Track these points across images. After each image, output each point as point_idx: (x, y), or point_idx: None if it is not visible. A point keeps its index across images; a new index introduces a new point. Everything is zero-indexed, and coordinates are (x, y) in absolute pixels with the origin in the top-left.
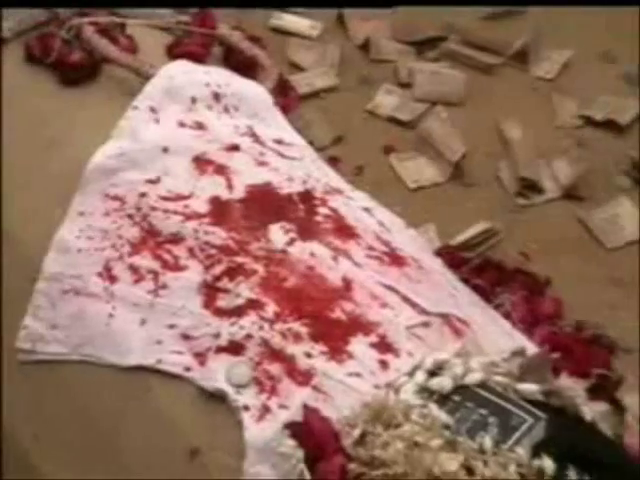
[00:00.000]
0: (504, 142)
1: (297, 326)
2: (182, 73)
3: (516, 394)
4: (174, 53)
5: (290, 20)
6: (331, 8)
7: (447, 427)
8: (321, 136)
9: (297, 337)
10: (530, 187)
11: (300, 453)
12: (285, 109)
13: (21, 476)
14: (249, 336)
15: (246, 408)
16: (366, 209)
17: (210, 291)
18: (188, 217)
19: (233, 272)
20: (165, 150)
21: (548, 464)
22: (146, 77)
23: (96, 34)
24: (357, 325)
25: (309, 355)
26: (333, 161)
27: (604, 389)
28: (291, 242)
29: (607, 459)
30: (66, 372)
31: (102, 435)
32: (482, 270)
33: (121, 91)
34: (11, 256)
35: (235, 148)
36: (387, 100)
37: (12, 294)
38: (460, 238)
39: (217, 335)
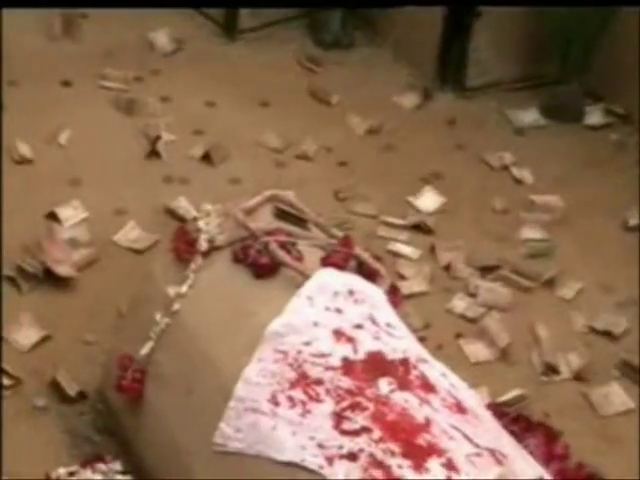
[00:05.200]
0: (535, 337)
1: (393, 446)
2: (329, 276)
3: None
4: (325, 263)
5: (400, 246)
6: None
7: None
8: (415, 323)
9: (393, 453)
10: (551, 369)
11: None
12: (393, 304)
13: None
14: (361, 450)
15: None
16: (443, 374)
17: (338, 418)
18: (327, 368)
19: (354, 407)
20: (315, 324)
21: None
22: (307, 277)
23: (278, 248)
24: (433, 450)
25: (400, 466)
26: (422, 340)
27: None
28: (392, 391)
29: None
30: (242, 459)
31: None
32: (516, 421)
33: (291, 284)
34: (215, 384)
35: (360, 327)
36: (460, 304)
37: (212, 406)
38: (503, 398)
39: (341, 447)
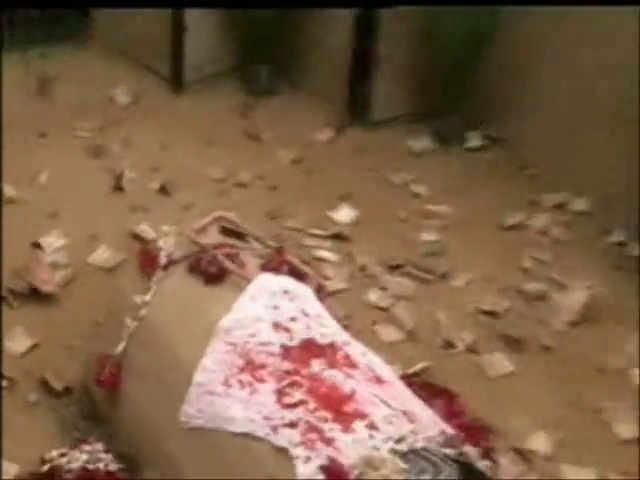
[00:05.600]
0: (435, 319)
1: (325, 414)
2: (267, 279)
3: (442, 454)
4: (263, 269)
5: (323, 253)
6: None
7: (406, 471)
8: (338, 314)
9: (325, 420)
10: (449, 344)
11: None
12: (320, 299)
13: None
14: (299, 419)
15: (297, 457)
16: (363, 353)
17: (280, 394)
18: (269, 355)
19: (292, 385)
20: (258, 319)
21: None
22: (249, 281)
23: (224, 258)
24: (357, 414)
25: (331, 430)
26: (345, 327)
27: (488, 454)
28: (323, 370)
29: None
30: (204, 433)
31: (225, 460)
32: (423, 387)
33: (237, 288)
34: (179, 373)
35: (294, 319)
36: (374, 296)
37: (177, 391)
38: (412, 370)
39: (283, 418)
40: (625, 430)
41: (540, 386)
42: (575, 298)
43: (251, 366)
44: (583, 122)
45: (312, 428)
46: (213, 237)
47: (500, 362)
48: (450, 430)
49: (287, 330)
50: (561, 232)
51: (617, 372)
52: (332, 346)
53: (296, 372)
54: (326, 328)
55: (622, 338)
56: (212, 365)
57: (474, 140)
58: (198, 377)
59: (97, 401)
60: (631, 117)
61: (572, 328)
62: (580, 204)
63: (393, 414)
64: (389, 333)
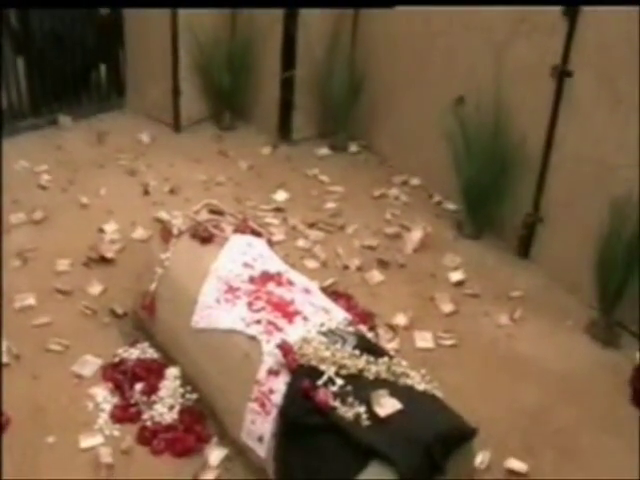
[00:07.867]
0: (336, 253)
1: (277, 314)
2: (238, 238)
3: (347, 331)
4: (235, 231)
5: (269, 219)
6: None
7: (326, 343)
8: (280, 254)
9: (277, 317)
10: (346, 267)
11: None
12: (270, 246)
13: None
14: (262, 318)
15: (262, 340)
16: (296, 276)
17: (249, 304)
18: (242, 281)
19: (257, 298)
20: (233, 261)
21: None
22: (227, 239)
23: (212, 227)
24: (297, 312)
25: (281, 323)
26: (285, 262)
27: (372, 328)
28: (274, 288)
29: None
30: (205, 331)
31: (218, 346)
32: (332, 293)
33: (220, 244)
34: (188, 297)
35: (255, 259)
36: (301, 242)
37: (188, 308)
38: (325, 284)
39: (252, 318)
40: (447, 308)
41: (398, 287)
42: (415, 235)
43: (231, 289)
44: (419, 136)
45: (270, 323)
46: (204, 215)
47: (376, 276)
48: (350, 317)
49: (251, 266)
50: (406, 198)
51: (441, 276)
52: (279, 274)
53: (258, 290)
54: (275, 262)
55: (442, 256)
56: (208, 290)
57: (353, 148)
58: (200, 298)
59: (143, 319)
60: (451, 132)
61: (415, 253)
62: (415, 181)
63: (316, 310)
64: (311, 264)
